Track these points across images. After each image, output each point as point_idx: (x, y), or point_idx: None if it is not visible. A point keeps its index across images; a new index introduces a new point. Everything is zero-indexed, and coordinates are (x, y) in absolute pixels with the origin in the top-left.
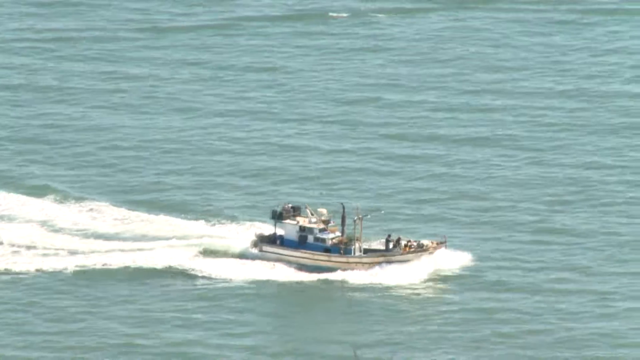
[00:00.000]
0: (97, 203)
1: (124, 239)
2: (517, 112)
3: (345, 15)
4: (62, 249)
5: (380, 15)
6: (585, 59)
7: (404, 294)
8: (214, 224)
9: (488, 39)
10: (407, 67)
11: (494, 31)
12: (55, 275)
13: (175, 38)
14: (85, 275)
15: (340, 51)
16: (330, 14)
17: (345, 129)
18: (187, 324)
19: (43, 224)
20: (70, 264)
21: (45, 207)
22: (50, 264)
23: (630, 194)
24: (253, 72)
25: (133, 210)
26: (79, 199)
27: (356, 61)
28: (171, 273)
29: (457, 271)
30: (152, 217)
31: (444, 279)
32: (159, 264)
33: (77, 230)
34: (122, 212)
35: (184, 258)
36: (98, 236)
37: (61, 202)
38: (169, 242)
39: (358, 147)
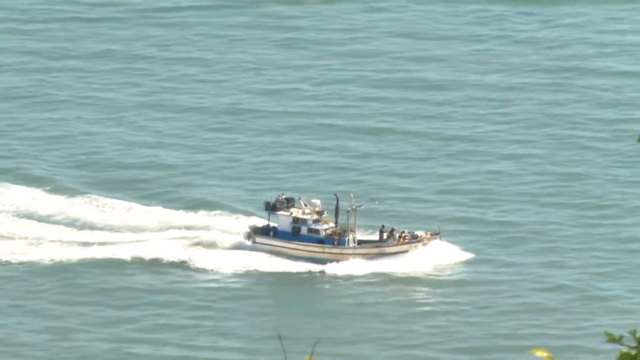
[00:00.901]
0: (91, 195)
1: (118, 231)
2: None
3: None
4: (56, 240)
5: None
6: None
7: (398, 285)
8: (208, 216)
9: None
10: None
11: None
12: (47, 266)
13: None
14: (80, 266)
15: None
16: None
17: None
18: (179, 315)
19: (32, 214)
20: (63, 255)
21: (37, 197)
22: (40, 255)
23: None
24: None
25: (126, 201)
26: (72, 191)
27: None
28: (165, 265)
29: (451, 263)
30: (146, 208)
31: (438, 270)
32: (153, 255)
33: (70, 222)
34: (115, 203)
35: (178, 250)
36: (92, 227)
37: (52, 193)
38: (164, 233)
39: (345, 142)
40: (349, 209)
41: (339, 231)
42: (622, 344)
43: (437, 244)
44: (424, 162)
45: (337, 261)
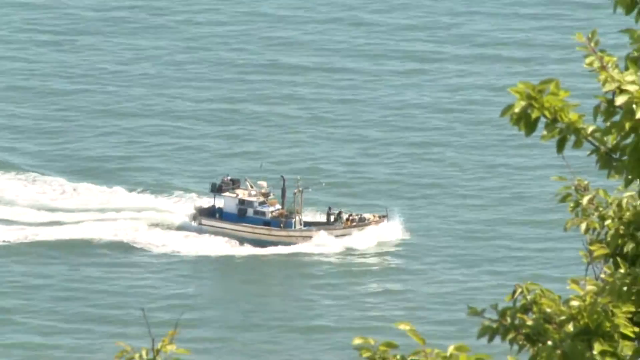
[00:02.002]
0: (39, 174)
1: (65, 211)
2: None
3: None
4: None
5: None
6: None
7: (343, 267)
8: (154, 196)
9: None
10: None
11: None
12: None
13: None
14: (25, 249)
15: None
16: None
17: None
18: (128, 297)
19: None
20: (7, 237)
21: None
22: None
23: None
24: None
25: (75, 182)
26: (19, 169)
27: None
28: (112, 246)
29: (398, 244)
30: (92, 187)
31: (385, 252)
32: (100, 236)
33: (18, 202)
34: (64, 183)
35: (122, 231)
36: (39, 208)
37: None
38: (107, 214)
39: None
40: (295, 191)
41: (286, 213)
42: (483, 317)
43: (385, 227)
44: (378, 146)
45: (284, 243)
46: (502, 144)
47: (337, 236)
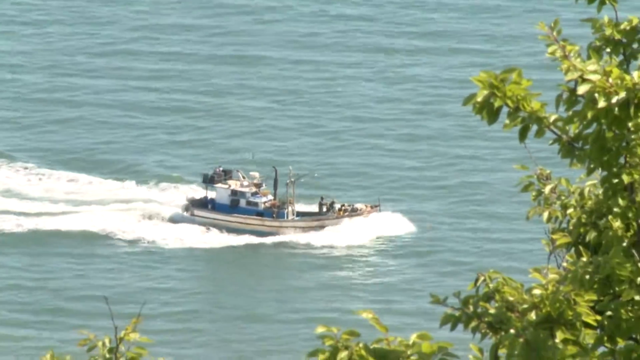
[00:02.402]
0: (31, 165)
1: (56, 202)
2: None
3: None
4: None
5: None
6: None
7: (336, 257)
8: (147, 187)
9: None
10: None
11: None
12: None
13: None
14: (17, 239)
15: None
16: None
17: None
18: (120, 289)
19: None
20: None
21: None
22: None
23: None
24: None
25: (66, 172)
26: (10, 159)
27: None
28: (104, 237)
29: (390, 234)
30: (86, 178)
31: (377, 242)
32: (92, 227)
33: (9, 192)
34: (54, 173)
35: (114, 222)
36: (29, 199)
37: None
38: (100, 206)
39: (287, 114)
40: (287, 181)
41: (278, 203)
42: (446, 305)
43: (377, 216)
44: (371, 137)
45: (276, 234)
46: (465, 135)
47: (332, 226)
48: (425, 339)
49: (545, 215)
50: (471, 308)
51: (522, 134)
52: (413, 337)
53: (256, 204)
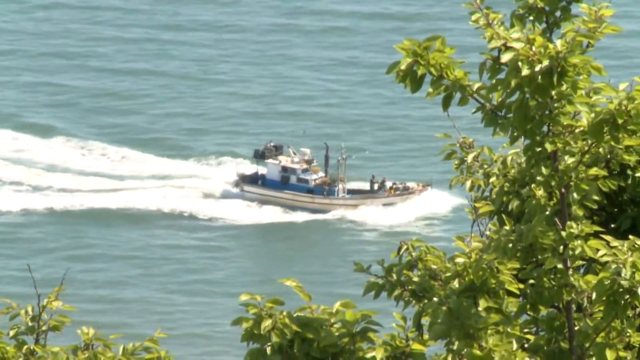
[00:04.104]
0: (90, 142)
1: (112, 178)
2: None
3: None
4: (52, 187)
5: None
6: None
7: (386, 235)
8: (195, 163)
9: None
10: None
11: None
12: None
13: None
14: (75, 216)
15: None
16: None
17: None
18: (175, 266)
19: (25, 161)
20: (59, 204)
21: (30, 143)
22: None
23: None
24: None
25: (121, 148)
26: (69, 136)
27: None
28: (153, 214)
29: (441, 214)
30: (136, 155)
31: (429, 221)
32: (140, 205)
33: (69, 169)
34: (109, 151)
35: (166, 198)
36: (87, 174)
37: (46, 139)
38: (151, 182)
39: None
40: (339, 158)
41: (329, 181)
42: (369, 274)
43: (428, 195)
44: (418, 115)
45: (326, 211)
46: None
47: (383, 205)
48: (349, 307)
49: (468, 184)
50: (394, 276)
51: (446, 103)
52: (337, 305)
53: (307, 181)
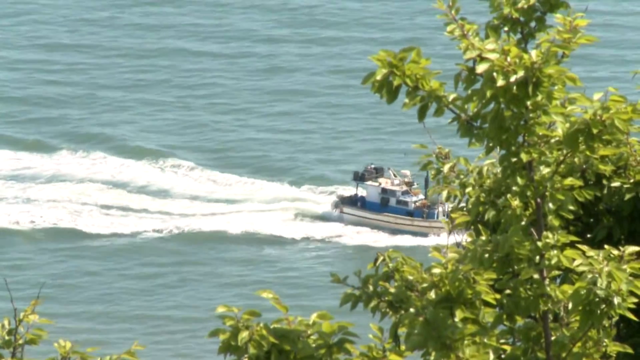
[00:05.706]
0: (183, 162)
1: (209, 202)
2: None
3: None
4: (146, 211)
5: None
6: None
7: None
8: (294, 186)
9: None
10: None
11: None
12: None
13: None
14: (173, 239)
15: None
16: None
17: None
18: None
19: (125, 185)
20: (157, 227)
21: (131, 165)
22: (137, 227)
23: None
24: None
25: (222, 172)
26: (164, 158)
27: None
28: (254, 237)
29: None
30: (237, 179)
31: None
32: (243, 228)
33: (163, 191)
34: (208, 174)
35: (267, 221)
36: (183, 197)
37: (151, 164)
38: (253, 205)
39: None
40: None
41: (428, 203)
42: (346, 285)
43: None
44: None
45: (426, 234)
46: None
47: None
48: (326, 319)
49: (444, 194)
50: (371, 287)
51: (421, 113)
52: (313, 317)
53: (406, 203)
